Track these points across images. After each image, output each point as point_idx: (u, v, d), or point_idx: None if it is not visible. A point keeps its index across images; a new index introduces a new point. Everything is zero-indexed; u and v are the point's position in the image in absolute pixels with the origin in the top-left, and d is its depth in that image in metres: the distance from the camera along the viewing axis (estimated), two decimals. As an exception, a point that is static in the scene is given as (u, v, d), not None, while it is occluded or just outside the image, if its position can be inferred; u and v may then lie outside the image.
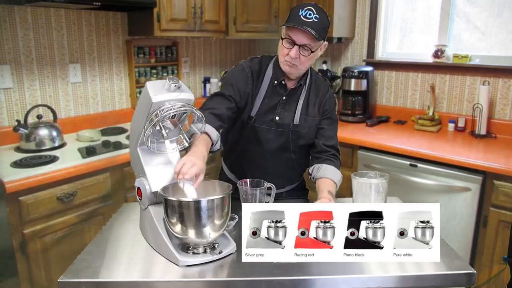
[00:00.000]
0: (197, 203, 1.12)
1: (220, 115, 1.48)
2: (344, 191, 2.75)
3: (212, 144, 1.42)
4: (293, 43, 1.44)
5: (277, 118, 1.57)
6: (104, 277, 1.10)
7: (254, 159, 1.61)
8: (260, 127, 1.57)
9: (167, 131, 1.25)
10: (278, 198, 1.57)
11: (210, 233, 1.14)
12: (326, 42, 1.51)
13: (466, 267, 1.14)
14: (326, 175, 1.54)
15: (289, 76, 1.55)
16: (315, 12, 1.42)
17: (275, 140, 1.59)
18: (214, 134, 1.45)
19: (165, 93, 1.18)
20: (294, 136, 1.58)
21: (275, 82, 1.57)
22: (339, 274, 1.11)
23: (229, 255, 1.18)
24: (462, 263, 1.15)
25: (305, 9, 1.42)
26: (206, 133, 1.41)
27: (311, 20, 1.40)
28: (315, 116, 1.61)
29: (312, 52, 1.45)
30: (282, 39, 1.47)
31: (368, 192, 1.38)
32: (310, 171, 1.60)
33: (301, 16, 1.41)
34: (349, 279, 1.09)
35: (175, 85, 1.19)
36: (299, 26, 1.40)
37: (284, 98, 1.57)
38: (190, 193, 1.18)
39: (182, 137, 1.31)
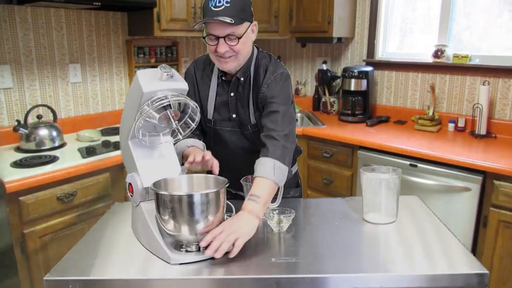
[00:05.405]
0: (189, 197, 1.08)
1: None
2: (344, 191, 2.75)
3: None
4: (216, 37, 1.35)
5: (233, 115, 1.52)
6: (91, 275, 1.08)
7: (228, 161, 1.53)
8: (222, 129, 1.54)
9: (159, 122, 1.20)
10: None
11: (204, 229, 1.11)
12: (254, 22, 1.42)
13: (478, 267, 1.08)
14: (256, 172, 1.31)
15: (229, 71, 1.47)
16: None
17: (239, 142, 1.55)
18: (199, 143, 1.52)
19: (157, 83, 1.14)
20: (256, 136, 1.50)
21: (222, 77, 1.51)
22: (339, 273, 1.08)
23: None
24: (473, 263, 1.11)
25: None
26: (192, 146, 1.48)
27: (222, 7, 1.30)
28: (260, 109, 1.48)
29: (239, 38, 1.36)
30: (204, 38, 1.39)
31: (378, 189, 1.29)
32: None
33: (212, 7, 1.31)
34: (349, 278, 1.07)
35: (168, 74, 1.14)
36: (211, 20, 1.31)
37: (232, 94, 1.51)
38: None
39: (176, 129, 1.27)
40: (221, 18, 1.29)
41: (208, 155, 1.33)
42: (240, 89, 1.50)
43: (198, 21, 2.84)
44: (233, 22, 1.30)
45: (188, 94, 1.54)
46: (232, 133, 1.54)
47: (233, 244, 1.12)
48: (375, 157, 2.55)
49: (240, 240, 1.12)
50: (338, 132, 2.78)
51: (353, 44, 3.33)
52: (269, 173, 1.28)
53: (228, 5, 1.31)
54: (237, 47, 1.37)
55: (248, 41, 1.42)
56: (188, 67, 1.62)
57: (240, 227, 1.15)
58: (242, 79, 1.48)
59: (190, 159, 1.31)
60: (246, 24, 1.38)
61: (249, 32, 1.41)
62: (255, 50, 1.53)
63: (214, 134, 1.57)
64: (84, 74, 2.68)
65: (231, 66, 1.42)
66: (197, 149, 1.47)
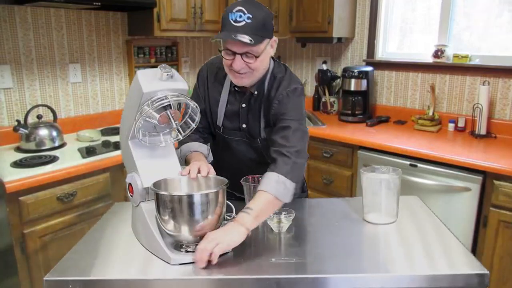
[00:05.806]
0: (189, 197, 1.09)
1: (202, 128, 1.50)
2: (344, 191, 2.75)
3: (206, 158, 1.45)
4: (233, 53, 1.28)
5: (243, 125, 1.47)
6: (91, 275, 1.08)
7: (235, 168, 1.51)
8: (230, 138, 1.51)
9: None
10: None
11: (204, 229, 1.11)
12: (274, 38, 1.35)
13: (478, 267, 1.07)
14: (259, 185, 1.27)
15: (243, 85, 1.41)
16: (246, 12, 1.23)
17: (247, 153, 1.52)
18: (204, 148, 1.48)
19: (157, 83, 1.13)
20: (265, 148, 1.46)
21: (235, 88, 1.45)
22: (339, 273, 1.08)
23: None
24: (473, 263, 1.11)
25: (234, 11, 1.24)
26: (196, 151, 1.45)
27: (243, 23, 1.23)
28: (271, 125, 1.43)
29: (257, 57, 1.29)
30: (220, 51, 1.32)
31: (378, 189, 1.29)
32: None
33: (232, 21, 1.24)
34: (349, 279, 1.07)
35: (167, 74, 1.13)
36: (229, 38, 1.23)
37: (243, 105, 1.45)
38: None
39: (176, 129, 1.26)
40: (240, 37, 1.22)
41: (204, 171, 1.27)
42: (252, 101, 1.45)
43: (198, 21, 2.86)
44: (252, 42, 1.23)
45: (198, 95, 1.51)
46: (240, 143, 1.50)
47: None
48: (375, 157, 2.55)
49: (218, 247, 1.09)
50: (338, 132, 2.78)
51: (353, 44, 3.33)
52: (270, 187, 1.23)
53: (250, 21, 1.23)
54: (254, 65, 1.31)
55: (266, 58, 1.36)
56: (202, 67, 1.56)
57: (221, 236, 1.12)
58: (256, 92, 1.43)
59: (184, 172, 1.27)
60: (266, 41, 1.31)
61: (268, 48, 1.34)
62: (271, 62, 1.46)
63: (222, 141, 1.54)
64: (84, 74, 2.68)
65: (246, 82, 1.37)
66: (199, 155, 1.44)
